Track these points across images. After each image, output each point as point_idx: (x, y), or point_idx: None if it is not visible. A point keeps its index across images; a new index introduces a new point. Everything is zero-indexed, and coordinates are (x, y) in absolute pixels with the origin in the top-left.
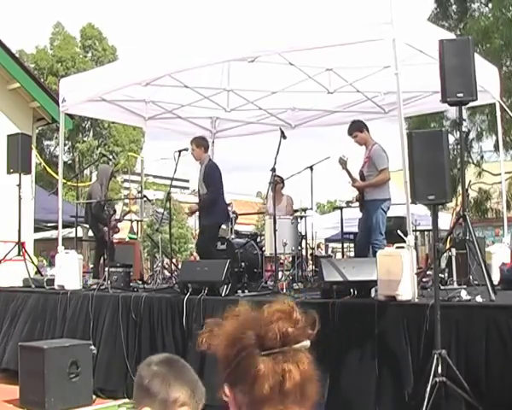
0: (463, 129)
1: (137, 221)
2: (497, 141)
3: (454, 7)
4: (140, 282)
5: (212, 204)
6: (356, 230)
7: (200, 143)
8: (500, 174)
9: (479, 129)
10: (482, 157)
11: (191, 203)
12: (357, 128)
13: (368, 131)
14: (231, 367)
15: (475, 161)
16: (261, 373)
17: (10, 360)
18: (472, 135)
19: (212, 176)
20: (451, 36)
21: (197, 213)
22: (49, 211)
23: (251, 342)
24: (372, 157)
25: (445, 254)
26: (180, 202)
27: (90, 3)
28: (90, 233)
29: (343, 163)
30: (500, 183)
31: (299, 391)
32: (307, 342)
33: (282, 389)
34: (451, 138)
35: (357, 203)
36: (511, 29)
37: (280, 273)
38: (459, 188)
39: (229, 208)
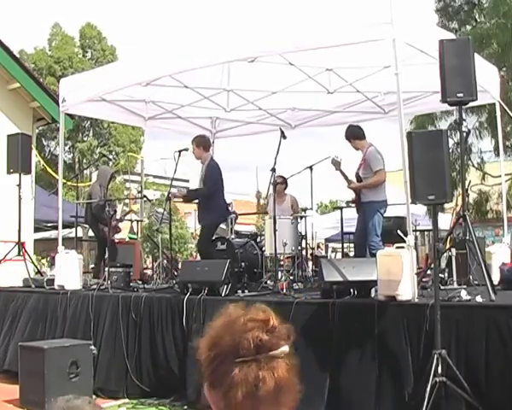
0: (463, 129)
1: (137, 221)
2: (496, 142)
3: None
4: (140, 282)
5: (209, 202)
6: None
7: (200, 143)
8: (500, 176)
9: (477, 131)
10: (482, 159)
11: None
12: (352, 134)
13: (362, 136)
14: (209, 372)
15: (476, 164)
16: (235, 380)
17: (12, 361)
18: (471, 139)
19: (212, 175)
20: (451, 36)
21: (197, 214)
22: (49, 211)
23: (226, 348)
24: (367, 159)
25: (445, 254)
26: (176, 202)
27: (88, 3)
28: (90, 233)
29: (336, 164)
30: (500, 184)
31: (274, 398)
32: (285, 348)
33: (256, 395)
34: (451, 141)
35: (354, 204)
36: (507, 35)
37: (280, 273)
38: (459, 189)
39: (229, 208)
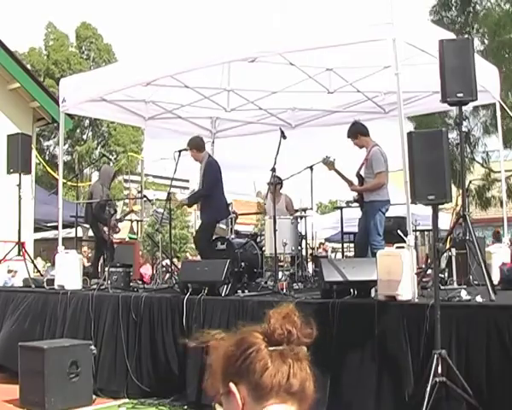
0: (463, 129)
1: (137, 221)
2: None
3: None
4: (140, 282)
5: (208, 200)
6: (356, 230)
7: (192, 145)
8: (500, 172)
9: (481, 129)
10: (487, 154)
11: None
12: (355, 131)
13: (367, 133)
14: (237, 364)
15: (481, 160)
16: (269, 365)
17: (3, 356)
18: (477, 134)
19: (209, 172)
20: (452, 36)
21: (197, 213)
22: (49, 211)
23: (258, 339)
24: (370, 159)
25: (444, 254)
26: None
27: (82, 1)
28: (90, 233)
29: (329, 164)
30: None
31: (301, 387)
32: (305, 349)
33: (288, 382)
34: (454, 134)
35: (358, 203)
36: None
37: (280, 273)
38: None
39: (229, 208)
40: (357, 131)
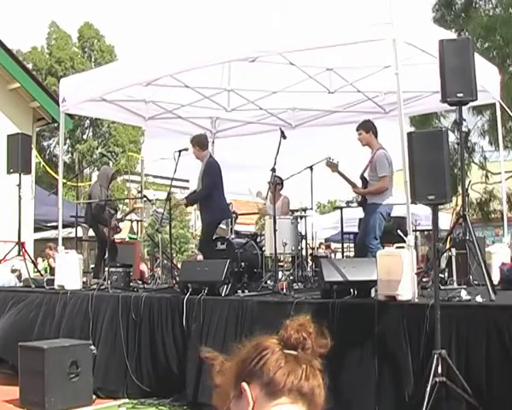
0: (463, 129)
1: (137, 221)
2: (496, 139)
3: None
4: (140, 282)
5: (208, 201)
6: (356, 230)
7: (195, 143)
8: (500, 173)
9: (481, 131)
10: (485, 158)
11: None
12: (364, 127)
13: (375, 134)
14: (251, 365)
15: (479, 162)
16: (283, 365)
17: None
18: (475, 138)
19: (209, 173)
20: (452, 36)
21: (199, 214)
22: (49, 211)
23: (274, 343)
24: (374, 162)
25: (444, 254)
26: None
27: (85, 1)
28: (91, 233)
29: (332, 166)
30: (500, 182)
31: (312, 392)
32: (317, 361)
33: (300, 382)
34: (452, 137)
35: (361, 206)
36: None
37: (280, 273)
38: (459, 188)
39: (229, 208)
40: (364, 128)
